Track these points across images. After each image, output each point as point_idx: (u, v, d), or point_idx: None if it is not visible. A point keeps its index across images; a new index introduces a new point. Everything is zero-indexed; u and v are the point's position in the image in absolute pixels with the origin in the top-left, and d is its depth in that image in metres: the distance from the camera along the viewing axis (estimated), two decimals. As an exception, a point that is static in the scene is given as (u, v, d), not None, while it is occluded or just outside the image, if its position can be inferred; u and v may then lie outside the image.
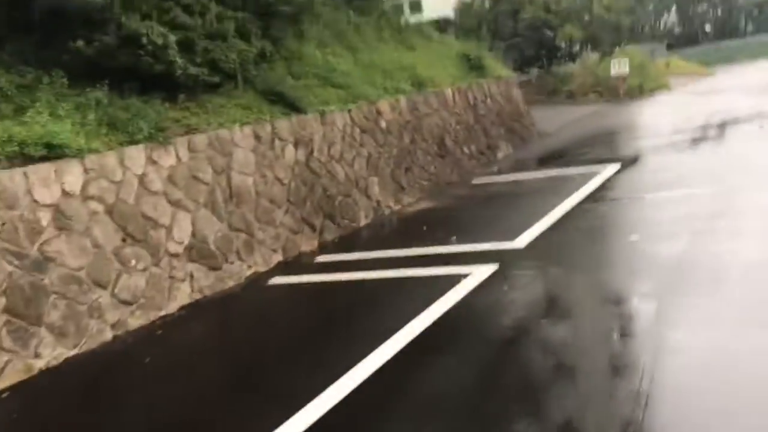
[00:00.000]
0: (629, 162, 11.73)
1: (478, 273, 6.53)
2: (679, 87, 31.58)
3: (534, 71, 33.23)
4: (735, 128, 13.98)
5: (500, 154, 15.38)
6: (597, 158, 12.83)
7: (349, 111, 10.65)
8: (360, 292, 6.94)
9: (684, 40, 63.81)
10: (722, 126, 14.70)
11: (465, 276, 6.47)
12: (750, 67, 41.28)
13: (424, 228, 9.22)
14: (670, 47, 55.99)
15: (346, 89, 10.97)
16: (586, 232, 7.78)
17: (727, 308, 4.87)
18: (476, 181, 12.67)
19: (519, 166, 13.67)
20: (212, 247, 7.60)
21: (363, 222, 10.01)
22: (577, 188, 9.79)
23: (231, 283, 7.63)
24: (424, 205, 11.07)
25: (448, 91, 14.32)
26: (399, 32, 15.48)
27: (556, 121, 21.40)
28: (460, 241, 7.92)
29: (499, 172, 13.19)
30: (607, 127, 18.79)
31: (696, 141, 13.12)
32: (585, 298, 5.79)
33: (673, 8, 69.35)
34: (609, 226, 8.05)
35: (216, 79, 8.65)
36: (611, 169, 11.09)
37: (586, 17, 31.11)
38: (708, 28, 69.02)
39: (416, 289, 6.55)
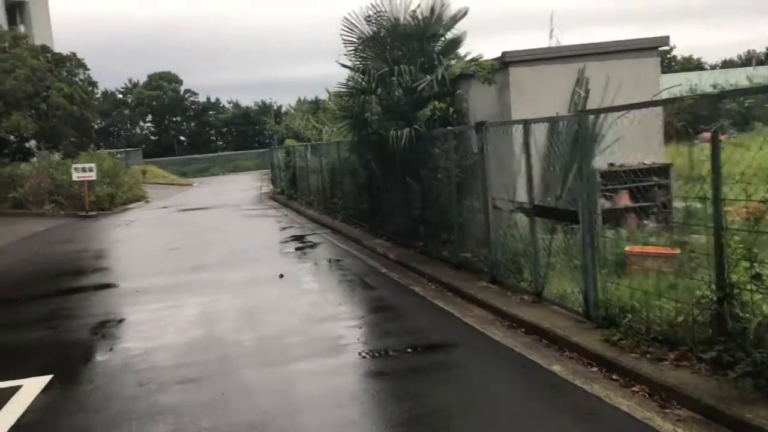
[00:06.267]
0: (74, 365, 5.71)
1: None
2: (159, 199, 27.17)
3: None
4: (250, 275, 9.39)
5: None
6: (14, 353, 6.44)
7: None
8: None
9: (161, 148, 61.76)
10: (229, 265, 10.03)
11: None
12: (227, 181, 40.35)
13: None
14: (146, 155, 52.79)
15: None
16: None
17: None
18: None
19: None
20: None
21: None
22: None
23: None
24: None
25: None
26: None
27: (-19, 248, 13.95)
28: None
29: None
30: (53, 264, 12.27)
31: (198, 305, 7.95)
32: None
33: (149, 116, 67.31)
34: None
35: None
36: (32, 392, 4.88)
37: (43, 106, 24.39)
38: (183, 139, 68.85)
39: None
